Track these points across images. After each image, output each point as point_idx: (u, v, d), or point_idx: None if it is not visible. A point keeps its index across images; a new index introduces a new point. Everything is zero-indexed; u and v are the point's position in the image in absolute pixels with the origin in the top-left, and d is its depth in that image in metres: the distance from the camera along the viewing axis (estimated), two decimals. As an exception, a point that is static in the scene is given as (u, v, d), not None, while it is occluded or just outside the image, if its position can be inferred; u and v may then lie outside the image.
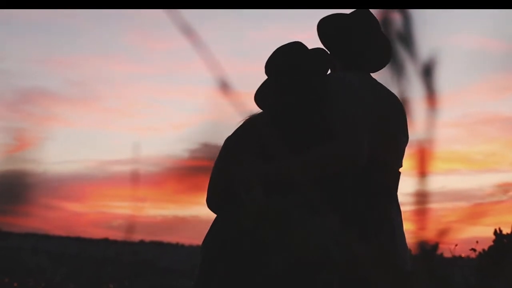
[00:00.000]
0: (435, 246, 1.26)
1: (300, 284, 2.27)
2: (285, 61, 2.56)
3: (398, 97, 2.63)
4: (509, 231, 1.33)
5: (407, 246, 2.49)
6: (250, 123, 2.59)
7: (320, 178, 2.33)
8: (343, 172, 2.37)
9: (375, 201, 2.41)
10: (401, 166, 2.63)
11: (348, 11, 2.73)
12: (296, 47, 2.61)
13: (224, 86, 0.71)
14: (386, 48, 2.69)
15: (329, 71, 2.64)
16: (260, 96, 2.63)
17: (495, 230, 1.29)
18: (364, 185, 2.41)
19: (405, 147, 2.64)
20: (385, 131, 2.52)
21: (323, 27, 2.71)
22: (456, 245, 2.87)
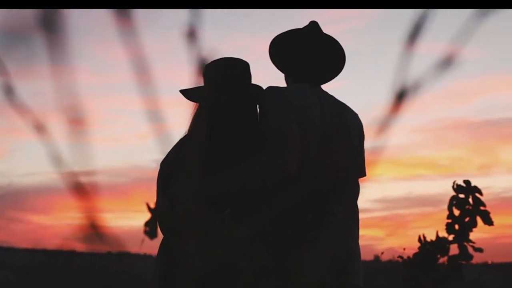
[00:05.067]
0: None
1: None
2: (209, 74, 2.57)
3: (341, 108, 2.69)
4: (433, 238, 1.38)
5: (347, 259, 2.50)
6: (184, 143, 2.59)
7: (250, 190, 2.38)
8: (275, 183, 2.41)
9: (300, 213, 2.44)
10: (361, 175, 2.67)
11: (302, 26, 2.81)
12: (224, 62, 2.61)
13: (9, 92, 0.71)
14: (335, 59, 2.77)
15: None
16: (188, 91, 2.62)
17: (419, 237, 1.34)
18: (288, 196, 2.45)
19: (359, 157, 2.68)
20: (328, 142, 2.56)
21: (272, 46, 2.83)
22: (382, 253, 2.91)
